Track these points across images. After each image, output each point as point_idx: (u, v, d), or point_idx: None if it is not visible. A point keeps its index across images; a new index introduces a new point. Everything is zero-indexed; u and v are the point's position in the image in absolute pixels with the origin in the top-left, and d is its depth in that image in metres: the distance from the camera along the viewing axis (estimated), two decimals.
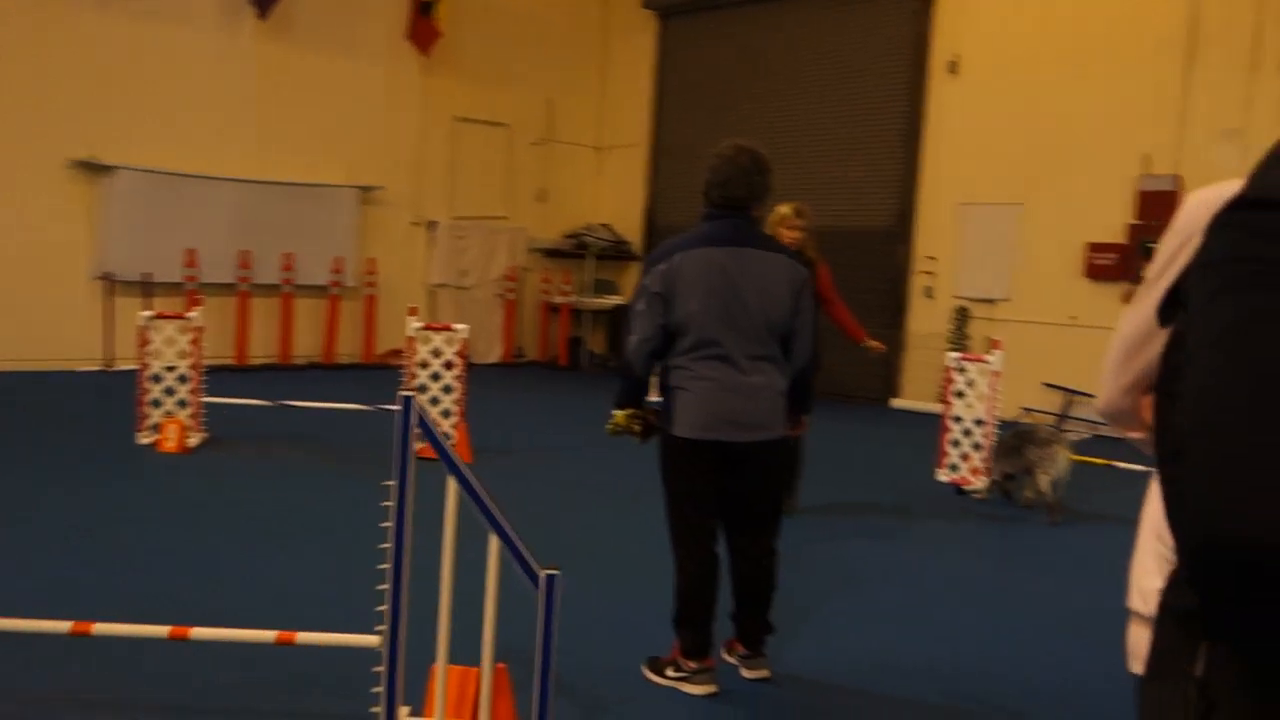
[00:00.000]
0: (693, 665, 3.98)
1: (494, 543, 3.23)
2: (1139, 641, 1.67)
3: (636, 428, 4.12)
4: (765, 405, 3.98)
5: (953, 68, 12.59)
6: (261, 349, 13.40)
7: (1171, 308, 1.22)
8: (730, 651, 4.26)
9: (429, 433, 3.31)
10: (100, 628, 3.34)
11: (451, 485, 3.22)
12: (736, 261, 3.95)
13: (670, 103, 15.91)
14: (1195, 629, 1.18)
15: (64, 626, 3.34)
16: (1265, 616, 0.92)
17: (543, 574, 3.24)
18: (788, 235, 6.21)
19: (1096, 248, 11.26)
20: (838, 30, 13.83)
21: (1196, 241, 1.62)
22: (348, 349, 14.17)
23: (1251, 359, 0.93)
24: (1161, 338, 1.70)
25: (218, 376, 9.26)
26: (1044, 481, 7.16)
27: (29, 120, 11.68)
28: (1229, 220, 1.04)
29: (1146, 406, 1.78)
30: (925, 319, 12.92)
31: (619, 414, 4.12)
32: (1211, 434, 0.94)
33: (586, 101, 16.55)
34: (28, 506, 6.16)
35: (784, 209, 6.35)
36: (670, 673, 4.03)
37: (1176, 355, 1.18)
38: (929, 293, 12.92)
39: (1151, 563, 1.65)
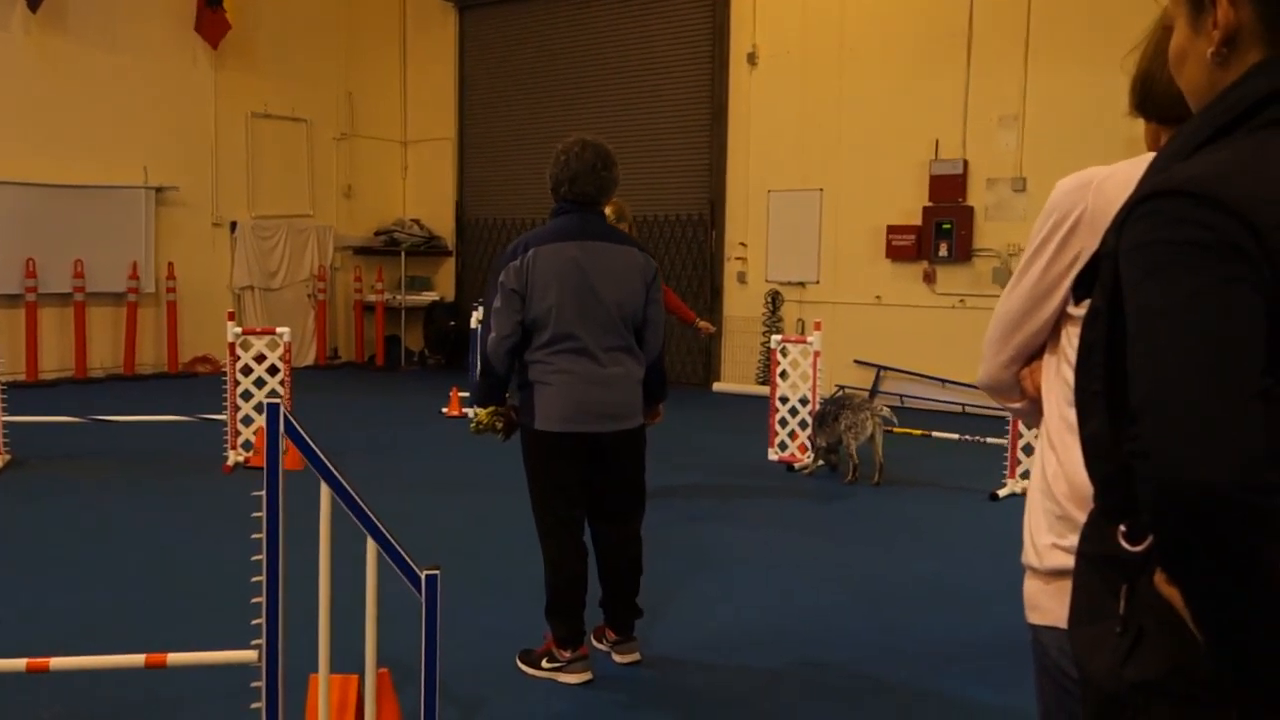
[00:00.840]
0: (567, 654, 4.05)
1: (372, 546, 3.21)
2: (1034, 593, 1.85)
3: (499, 424, 4.14)
4: (625, 395, 4.08)
5: (752, 59, 13.01)
6: (55, 362, 12.57)
7: (1084, 286, 1.38)
8: (601, 638, 4.35)
9: (298, 440, 3.26)
10: None
11: (325, 491, 3.19)
12: (589, 255, 4.04)
13: (475, 96, 15.81)
14: (1115, 573, 1.34)
15: None
16: (1223, 553, 1.08)
17: (424, 574, 3.25)
18: None
19: (895, 229, 11.90)
20: (638, 22, 14.07)
21: (1084, 224, 1.82)
22: (149, 358, 13.45)
23: (1203, 329, 1.11)
24: (1040, 314, 1.89)
25: (11, 393, 8.63)
26: (853, 446, 7.64)
27: None
28: (1151, 209, 1.21)
29: (1025, 378, 1.97)
30: (740, 304, 13.34)
31: (481, 412, 4.12)
32: (1176, 395, 1.10)
33: (389, 95, 16.23)
34: None
35: (605, 211, 6.39)
36: (546, 664, 4.08)
37: (1093, 330, 1.34)
38: (742, 278, 13.34)
39: (1042, 520, 1.83)
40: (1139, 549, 1.28)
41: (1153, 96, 1.85)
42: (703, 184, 13.61)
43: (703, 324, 7.44)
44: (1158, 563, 1.21)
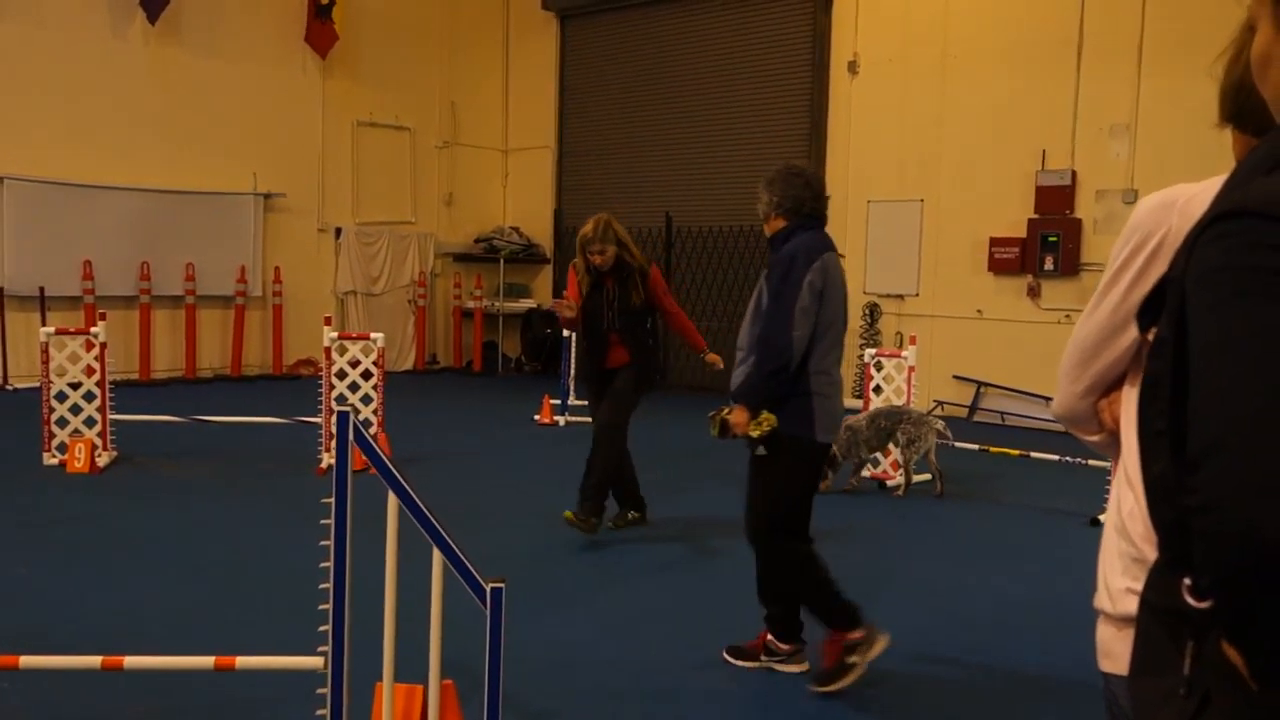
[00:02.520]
0: (787, 648, 4.20)
1: (437, 557, 3.20)
2: (1106, 639, 1.72)
3: (768, 429, 4.02)
4: None
5: (852, 67, 12.82)
6: (166, 363, 13.01)
7: (1152, 313, 1.26)
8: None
9: (367, 448, 3.26)
10: (27, 660, 3.21)
11: (392, 500, 3.18)
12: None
13: (574, 104, 15.90)
14: (1180, 629, 1.22)
15: None
16: None
17: (489, 586, 3.22)
18: (596, 260, 6.13)
19: (998, 242, 11.57)
20: (738, 31, 13.98)
21: (1156, 243, 1.69)
22: (255, 360, 13.84)
23: (1275, 369, 0.98)
24: (1119, 342, 1.77)
25: (123, 392, 8.94)
26: (912, 460, 7.58)
27: None
28: (1221, 231, 1.09)
29: (1104, 410, 1.84)
30: None
31: (770, 416, 4.02)
32: (1241, 443, 0.98)
33: (490, 104, 16.44)
34: None
35: (586, 229, 6.20)
36: (764, 657, 4.26)
37: (1159, 362, 1.22)
38: None
39: (1117, 562, 1.70)
40: (1204, 606, 1.16)
41: (1250, 106, 1.71)
42: None
43: (712, 356, 6.58)
44: (1221, 624, 1.09)
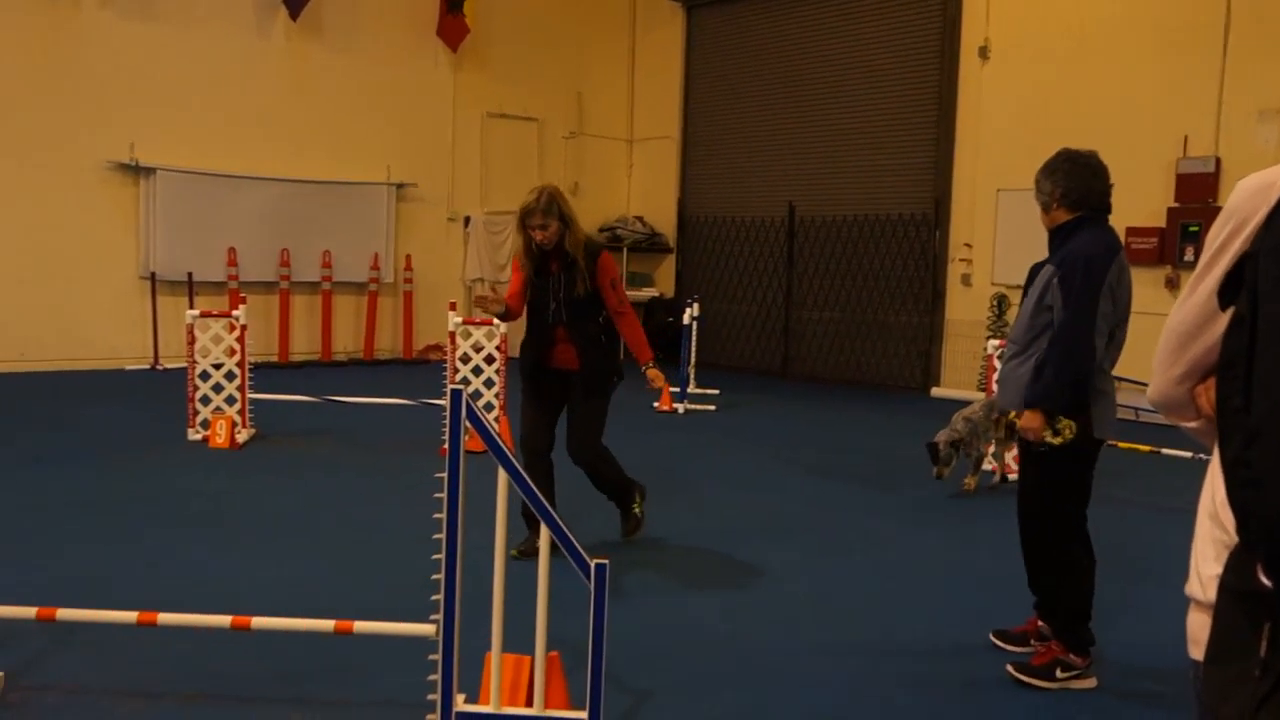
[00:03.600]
0: (1082, 662, 4.05)
1: (545, 533, 3.30)
2: (1197, 627, 1.69)
3: (1070, 437, 3.95)
4: None
5: (983, 52, 12.50)
6: (303, 346, 13.56)
7: (1232, 291, 1.24)
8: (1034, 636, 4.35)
9: (478, 425, 3.36)
10: (165, 618, 3.43)
11: (502, 477, 3.28)
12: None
13: (699, 94, 15.92)
14: (1258, 610, 1.20)
15: (130, 617, 3.43)
16: None
17: (593, 563, 3.30)
18: (538, 236, 5.25)
19: (1135, 232, 11.15)
20: (866, 18, 13.78)
21: (1253, 226, 1.65)
22: (387, 345, 14.31)
23: None
24: (1216, 327, 1.73)
25: (262, 373, 9.38)
26: (989, 450, 7.58)
27: (69, 124, 11.87)
28: None
29: (1200, 395, 1.80)
30: (963, 307, 12.86)
31: (1069, 422, 3.92)
32: None
33: (616, 94, 16.58)
34: (92, 499, 6.30)
35: (527, 200, 5.29)
36: (1060, 673, 4.03)
37: (1236, 340, 1.21)
38: (966, 280, 12.85)
39: (1210, 549, 1.67)
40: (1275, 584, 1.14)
41: None
42: (927, 182, 13.19)
43: (654, 373, 5.71)
44: (1267, 603, 1.07)
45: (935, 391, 13.02)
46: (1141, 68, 11.12)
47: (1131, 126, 11.17)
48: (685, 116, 16.08)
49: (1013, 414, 4.06)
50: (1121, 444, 7.59)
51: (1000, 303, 12.26)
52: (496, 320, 7.73)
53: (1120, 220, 12.18)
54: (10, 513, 5.77)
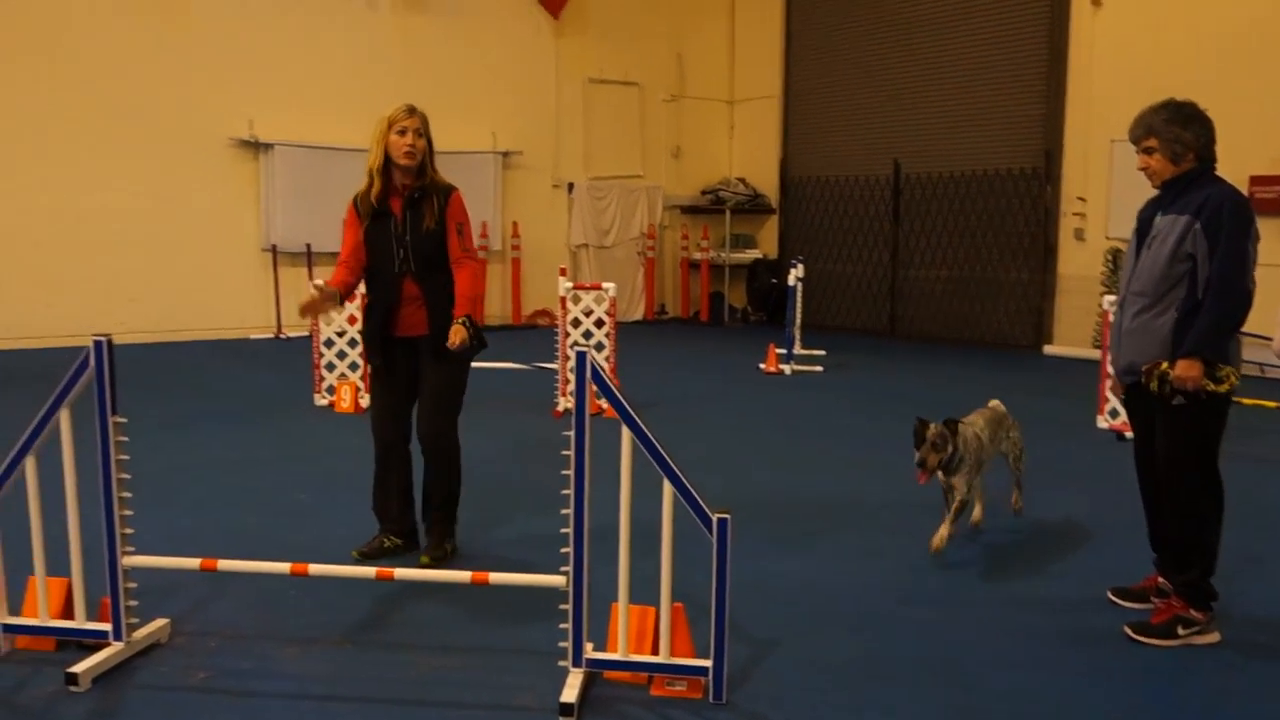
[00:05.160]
0: (1203, 617, 4.06)
1: (668, 488, 3.43)
2: None
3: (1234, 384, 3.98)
4: None
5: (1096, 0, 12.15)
6: None
7: None
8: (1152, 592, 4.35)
9: (601, 383, 3.49)
10: (316, 569, 3.67)
11: (626, 434, 3.42)
12: None
13: (801, 52, 15.77)
14: None
15: (283, 567, 3.68)
16: None
17: (715, 517, 3.43)
18: (405, 143, 4.59)
19: (1259, 180, 10.76)
20: None
21: None
22: (496, 311, 14.62)
23: None
24: None
25: None
26: (1022, 464, 5.62)
27: (193, 104, 12.38)
28: None
29: None
30: (1077, 262, 12.59)
31: (1231, 369, 3.93)
32: None
33: (716, 55, 16.53)
34: (232, 459, 6.68)
35: (395, 110, 4.68)
36: (1182, 630, 4.04)
37: None
38: (1080, 235, 12.57)
39: None
40: None
41: None
42: (1037, 135, 12.90)
43: (455, 328, 4.56)
44: None
45: (1048, 349, 12.80)
46: (1262, 10, 10.67)
47: (1255, 71, 10.77)
48: (786, 75, 15.96)
49: (1164, 364, 4.03)
50: (1246, 400, 7.42)
51: (1115, 257, 11.97)
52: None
53: (1243, 169, 11.85)
54: (160, 473, 6.15)
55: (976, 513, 5.43)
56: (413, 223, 4.62)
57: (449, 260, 4.70)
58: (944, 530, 4.86)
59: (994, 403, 5.55)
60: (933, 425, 4.84)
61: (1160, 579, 4.30)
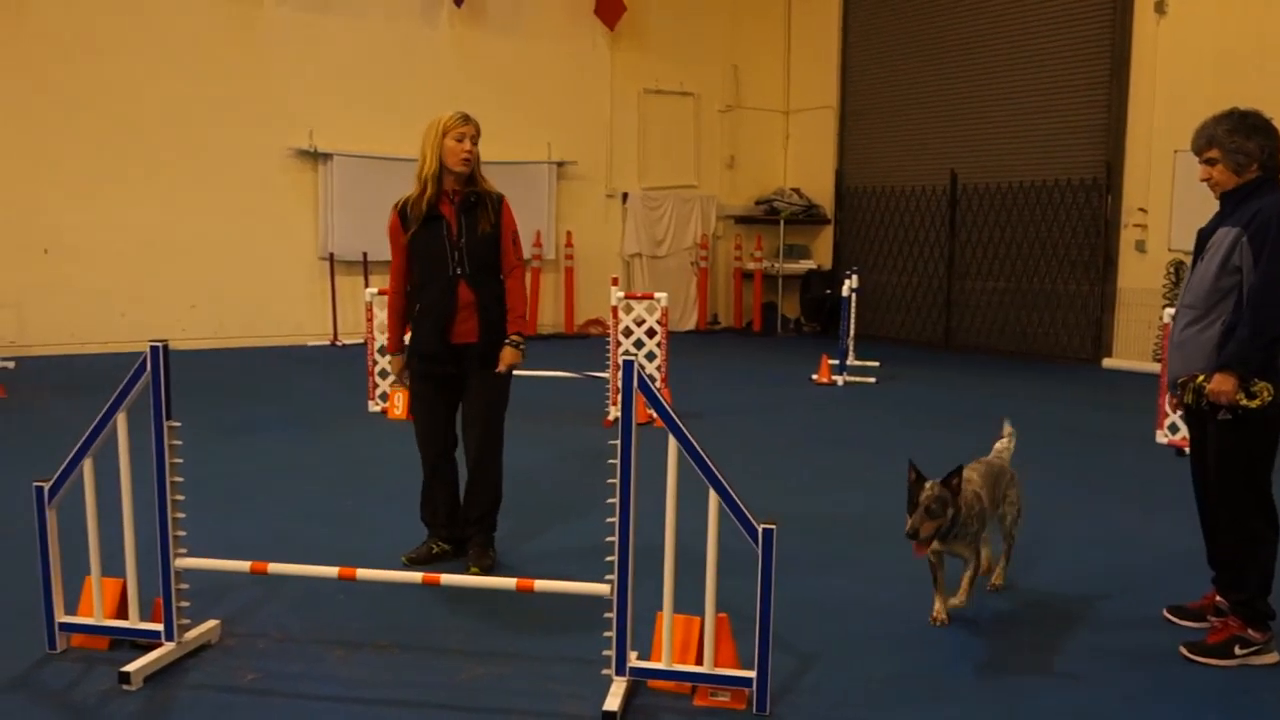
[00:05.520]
0: (1261, 637, 3.98)
1: (713, 498, 3.42)
2: None
3: (1269, 399, 3.85)
4: None
5: (1160, 7, 11.93)
6: None
7: None
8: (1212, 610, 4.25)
9: (649, 393, 3.49)
10: (364, 574, 3.71)
11: (672, 444, 3.41)
12: None
13: (857, 62, 15.67)
14: None
15: (332, 571, 3.72)
16: None
17: (761, 528, 3.41)
18: (465, 149, 4.67)
19: None
20: None
21: None
22: (549, 320, 14.70)
23: None
24: None
25: None
26: (1017, 527, 4.81)
27: (254, 115, 12.61)
28: None
29: None
30: (1137, 274, 12.36)
31: (1267, 385, 3.83)
32: None
33: (772, 66, 16.50)
34: (286, 464, 6.78)
35: (447, 116, 4.75)
36: (1239, 650, 3.96)
37: None
38: (1141, 246, 12.35)
39: None
40: None
41: None
42: (1098, 145, 12.70)
43: (508, 352, 4.77)
44: None
45: (1107, 362, 12.58)
46: None
47: None
48: (843, 85, 15.88)
49: (1200, 378, 3.95)
50: None
51: (1177, 269, 11.73)
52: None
53: None
54: (215, 478, 6.25)
55: (997, 575, 4.72)
56: (468, 227, 4.67)
57: (501, 266, 4.77)
58: (945, 602, 4.28)
59: (1007, 430, 4.88)
60: (929, 484, 4.01)
61: (1218, 597, 4.20)
